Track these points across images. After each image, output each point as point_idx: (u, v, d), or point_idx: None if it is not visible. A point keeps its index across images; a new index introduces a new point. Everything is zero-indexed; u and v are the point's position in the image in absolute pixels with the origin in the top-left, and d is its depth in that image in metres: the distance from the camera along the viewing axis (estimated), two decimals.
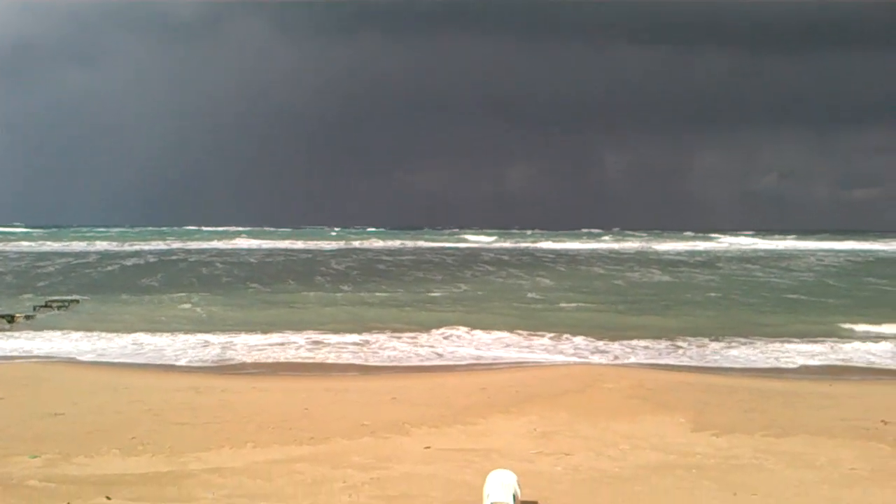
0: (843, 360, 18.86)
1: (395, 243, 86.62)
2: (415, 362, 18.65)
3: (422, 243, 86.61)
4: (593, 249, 77.81)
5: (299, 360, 18.63)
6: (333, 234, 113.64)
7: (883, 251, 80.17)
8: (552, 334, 21.80)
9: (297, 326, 23.01)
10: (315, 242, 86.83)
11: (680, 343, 20.69)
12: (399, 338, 21.60)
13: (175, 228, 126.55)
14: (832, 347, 20.32)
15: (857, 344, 20.84)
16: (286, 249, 75.65)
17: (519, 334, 22.00)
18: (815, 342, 20.95)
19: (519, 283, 39.82)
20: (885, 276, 45.61)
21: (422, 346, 20.63)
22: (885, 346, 20.52)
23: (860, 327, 23.48)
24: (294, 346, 20.36)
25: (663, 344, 20.64)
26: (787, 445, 10.58)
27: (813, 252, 76.25)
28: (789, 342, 20.85)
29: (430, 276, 43.63)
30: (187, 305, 28.31)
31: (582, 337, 21.60)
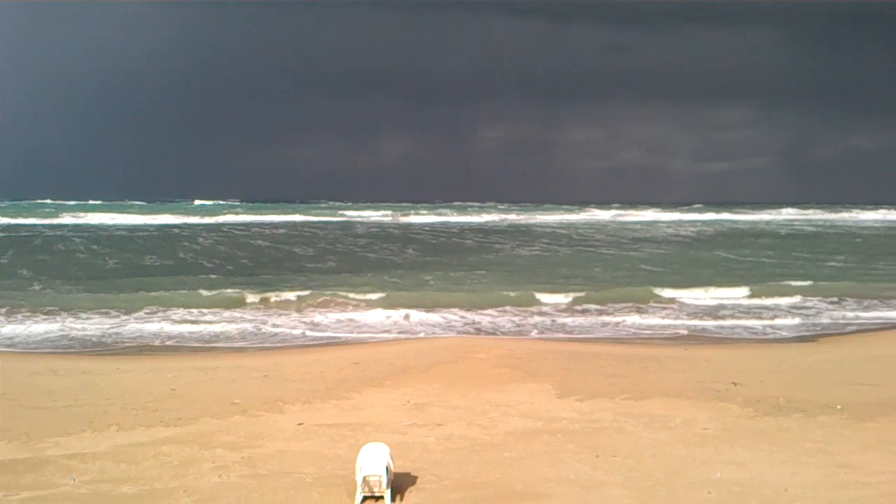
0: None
1: (267, 217, 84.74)
2: (288, 339, 18.48)
3: (297, 217, 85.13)
4: (466, 223, 78.83)
5: (167, 341, 18.11)
6: (196, 206, 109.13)
7: (742, 221, 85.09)
8: (424, 307, 22.08)
9: (168, 303, 22.32)
10: (182, 217, 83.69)
11: (535, 313, 21.57)
12: (271, 314, 21.33)
13: (28, 202, 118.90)
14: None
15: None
16: (145, 225, 72.45)
17: (393, 308, 22.14)
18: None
19: (391, 258, 39.93)
20: (729, 247, 48.54)
21: (295, 322, 20.46)
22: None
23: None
24: (160, 324, 19.75)
25: (532, 317, 21.33)
26: (646, 408, 11.15)
27: (678, 223, 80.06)
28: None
29: (303, 251, 43.08)
30: (36, 287, 26.81)
31: (456, 308, 22.02)
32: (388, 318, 21.06)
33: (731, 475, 8.26)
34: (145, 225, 70.85)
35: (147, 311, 21.47)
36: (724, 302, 23.79)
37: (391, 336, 18.88)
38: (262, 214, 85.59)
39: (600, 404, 11.37)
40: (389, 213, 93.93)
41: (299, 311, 21.98)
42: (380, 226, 68.37)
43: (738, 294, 24.79)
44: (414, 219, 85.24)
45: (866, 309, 22.68)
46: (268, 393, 12.13)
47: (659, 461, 8.77)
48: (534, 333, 19.13)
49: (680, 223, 78.21)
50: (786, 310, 22.53)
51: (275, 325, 19.78)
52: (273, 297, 23.55)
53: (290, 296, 23.69)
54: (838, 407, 11.05)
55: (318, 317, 21.05)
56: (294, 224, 71.05)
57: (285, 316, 21.19)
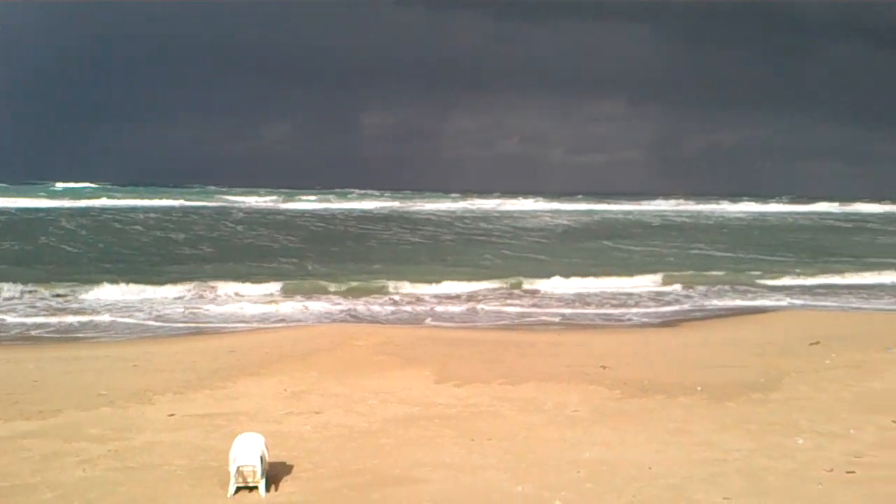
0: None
1: (139, 201, 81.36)
2: (158, 328, 17.88)
3: (173, 201, 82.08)
4: (349, 209, 78.19)
5: (31, 331, 17.19)
6: (60, 189, 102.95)
7: (618, 211, 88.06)
8: (303, 294, 21.85)
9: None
10: (46, 201, 79.19)
11: (416, 300, 21.77)
12: (146, 301, 20.58)
13: None
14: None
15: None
16: (3, 208, 68.08)
17: (270, 294, 21.79)
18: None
19: (269, 245, 39.20)
20: (606, 236, 50.34)
21: (167, 310, 19.81)
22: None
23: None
24: (22, 312, 18.71)
25: (413, 305, 21.47)
26: (521, 392, 11.45)
27: (557, 212, 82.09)
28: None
29: (179, 237, 41.67)
30: None
31: (336, 296, 21.90)
32: (265, 305, 20.69)
33: (599, 455, 8.61)
34: (3, 208, 66.62)
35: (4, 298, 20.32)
36: (597, 289, 24.65)
37: (268, 324, 18.57)
38: (133, 198, 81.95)
39: (478, 389, 11.59)
40: (270, 198, 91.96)
41: (172, 299, 21.27)
42: (260, 212, 66.85)
43: (610, 283, 25.71)
44: (296, 205, 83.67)
45: (724, 296, 24.05)
46: (137, 383, 11.72)
47: (532, 443, 9.03)
48: (414, 320, 19.25)
49: (559, 212, 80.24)
50: (651, 296, 23.60)
51: (145, 314, 19.08)
52: (145, 285, 22.68)
53: (163, 283, 22.88)
54: (698, 388, 11.69)
55: (192, 305, 20.45)
56: (169, 209, 68.51)
57: (158, 304, 20.47)
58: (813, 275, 28.95)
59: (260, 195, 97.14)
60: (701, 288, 25.34)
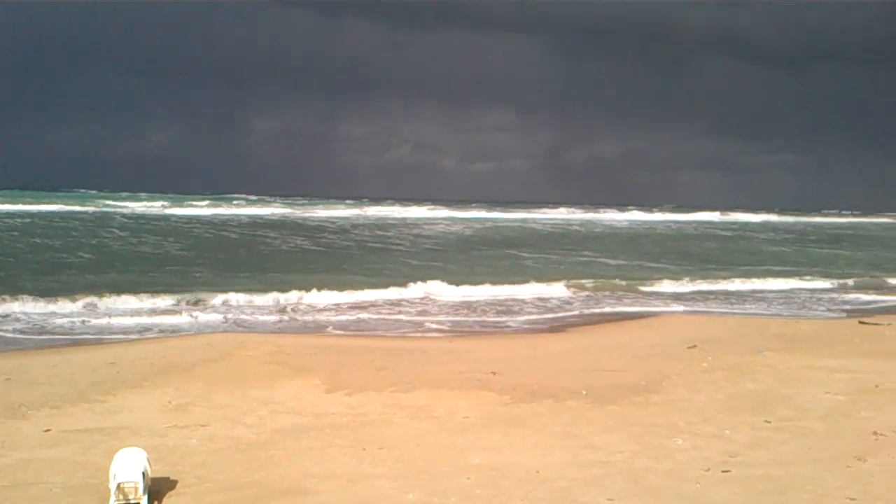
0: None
1: (9, 206, 77.17)
2: (30, 341, 17.02)
3: (49, 206, 78.18)
4: (237, 215, 76.50)
5: None
6: None
7: (494, 218, 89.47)
8: (188, 303, 21.23)
9: None
10: None
11: (307, 309, 21.56)
12: (21, 311, 19.55)
13: None
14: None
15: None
16: None
17: (154, 304, 21.06)
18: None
19: (153, 252, 37.95)
20: (495, 244, 51.17)
21: (50, 320, 18.88)
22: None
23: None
24: None
25: (305, 314, 21.23)
26: (412, 399, 11.49)
27: (448, 219, 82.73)
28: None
29: (55, 243, 39.74)
30: None
31: (224, 305, 21.39)
32: (148, 314, 19.99)
33: (488, 460, 8.74)
34: None
35: None
36: (489, 296, 25.01)
37: (153, 335, 17.95)
38: (5, 203, 77.65)
39: (369, 397, 11.56)
40: (156, 203, 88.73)
41: (50, 310, 20.24)
42: (145, 217, 64.52)
43: (502, 290, 26.11)
44: (183, 210, 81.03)
45: (610, 302, 24.87)
46: (10, 398, 11.11)
47: (423, 450, 9.08)
48: (305, 329, 19.02)
49: (453, 220, 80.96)
50: (541, 303, 24.15)
51: (22, 325, 18.13)
52: (20, 294, 21.48)
53: (39, 293, 21.75)
54: (584, 392, 12.02)
55: (71, 315, 19.52)
56: (46, 214, 65.24)
57: (35, 315, 19.45)
58: (692, 281, 30.27)
59: (144, 200, 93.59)
60: (589, 294, 26.12)
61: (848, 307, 25.10)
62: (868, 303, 26.52)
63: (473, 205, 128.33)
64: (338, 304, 22.50)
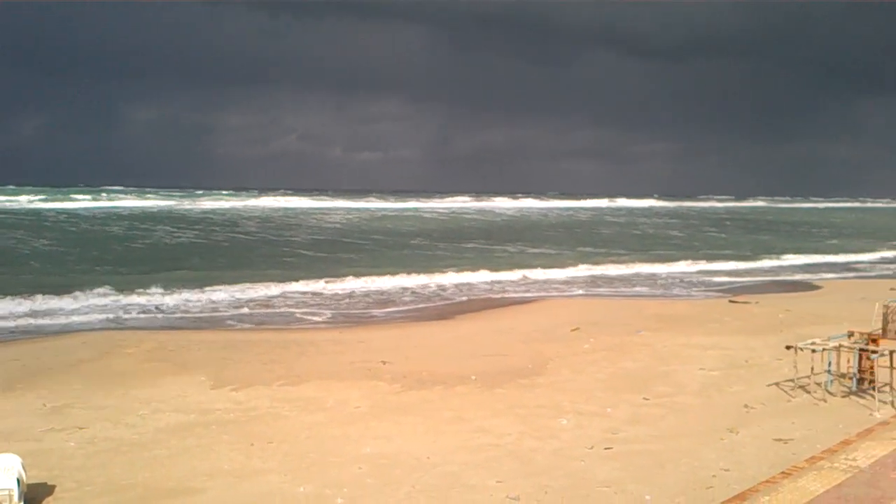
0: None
1: None
2: None
3: None
4: (113, 209, 73.30)
5: None
6: None
7: (385, 209, 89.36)
8: (67, 302, 20.25)
9: None
10: None
11: (191, 302, 21.00)
12: None
13: None
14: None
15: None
16: None
17: (22, 298, 19.96)
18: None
19: (21, 248, 35.99)
20: (383, 232, 51.14)
21: None
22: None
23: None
24: None
25: (188, 306, 20.62)
26: (302, 392, 11.38)
27: (335, 209, 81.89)
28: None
29: None
30: None
31: (103, 300, 20.53)
32: (21, 316, 18.93)
33: (379, 449, 8.77)
34: None
35: None
36: (375, 287, 24.97)
37: (25, 335, 16.99)
38: None
39: (257, 392, 11.37)
40: (23, 198, 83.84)
41: None
42: (9, 212, 60.96)
43: (390, 281, 26.13)
44: (55, 205, 76.98)
45: (496, 288, 25.34)
46: None
47: (314, 443, 9.01)
48: (187, 325, 18.45)
49: (339, 210, 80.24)
50: (430, 292, 24.33)
51: None
52: None
53: None
54: (473, 377, 12.22)
55: None
56: None
57: None
58: (573, 265, 31.17)
59: (6, 194, 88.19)
60: (476, 281, 26.49)
61: (719, 287, 26.41)
62: (734, 282, 28.03)
63: (364, 194, 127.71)
64: (225, 299, 21.95)
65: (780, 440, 8.95)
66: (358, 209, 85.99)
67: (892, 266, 35.88)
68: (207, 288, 22.81)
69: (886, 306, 16.06)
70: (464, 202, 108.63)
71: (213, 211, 71.97)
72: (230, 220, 59.13)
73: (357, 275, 26.47)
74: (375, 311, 20.71)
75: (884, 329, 15.58)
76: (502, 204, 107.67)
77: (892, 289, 23.07)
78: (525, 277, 27.92)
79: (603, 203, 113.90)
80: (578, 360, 13.63)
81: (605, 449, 8.75)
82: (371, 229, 53.79)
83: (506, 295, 23.96)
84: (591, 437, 9.19)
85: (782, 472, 7.65)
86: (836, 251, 41.95)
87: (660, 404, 10.71)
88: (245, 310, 20.36)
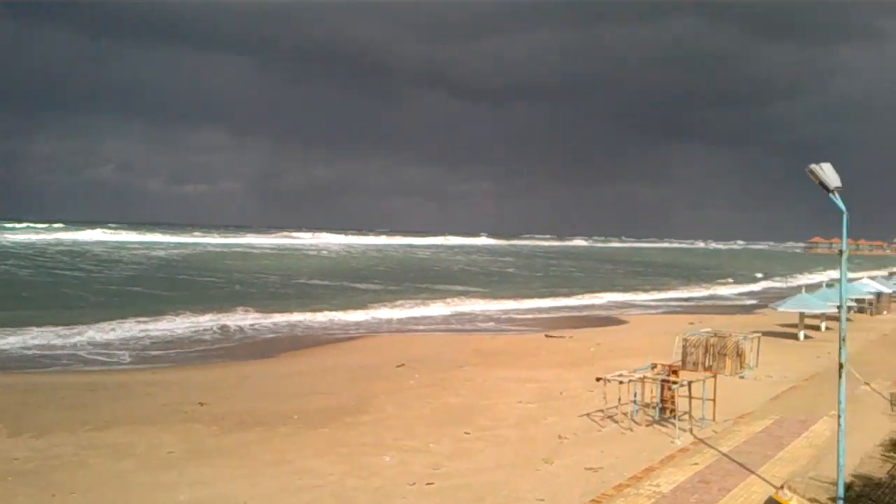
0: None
1: None
2: None
3: None
4: None
5: None
6: None
7: (211, 244, 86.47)
8: None
9: None
10: None
11: None
12: None
13: None
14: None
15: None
16: None
17: None
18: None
19: None
20: (198, 270, 49.41)
21: None
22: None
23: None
24: None
25: None
26: (110, 438, 10.71)
27: (151, 244, 78.17)
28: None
29: None
30: None
31: None
32: None
33: (195, 495, 8.38)
34: None
35: None
36: (186, 326, 24.03)
37: None
38: None
39: (60, 439, 10.58)
40: None
41: None
42: None
43: (205, 320, 25.22)
44: None
45: (322, 326, 25.12)
46: None
47: (122, 492, 8.49)
48: None
49: (161, 245, 76.78)
50: (249, 329, 23.73)
51: None
52: None
53: None
54: (295, 417, 11.99)
55: None
56: None
57: None
58: (398, 304, 31.48)
59: None
60: (298, 317, 26.10)
61: (538, 322, 27.52)
62: (552, 317, 29.34)
63: (189, 228, 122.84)
64: (22, 341, 20.28)
65: (590, 469, 9.39)
66: (179, 244, 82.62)
67: (689, 303, 38.88)
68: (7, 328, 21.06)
69: (685, 339, 17.37)
70: (293, 238, 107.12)
71: (14, 244, 66.74)
72: (35, 254, 55.05)
73: (176, 313, 25.37)
74: (192, 350, 19.89)
75: (683, 361, 16.82)
76: (332, 239, 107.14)
77: (690, 323, 24.93)
78: (346, 312, 27.88)
79: (438, 240, 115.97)
80: (403, 396, 13.71)
81: (427, 485, 8.83)
82: (183, 265, 51.80)
83: (331, 332, 23.77)
84: (413, 473, 9.24)
85: (592, 500, 8.03)
86: (642, 288, 44.95)
87: (480, 438, 10.96)
88: (48, 351, 18.93)
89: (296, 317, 26.33)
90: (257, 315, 26.17)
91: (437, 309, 30.97)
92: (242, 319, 25.27)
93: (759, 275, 65.57)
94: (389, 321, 26.97)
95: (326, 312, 27.67)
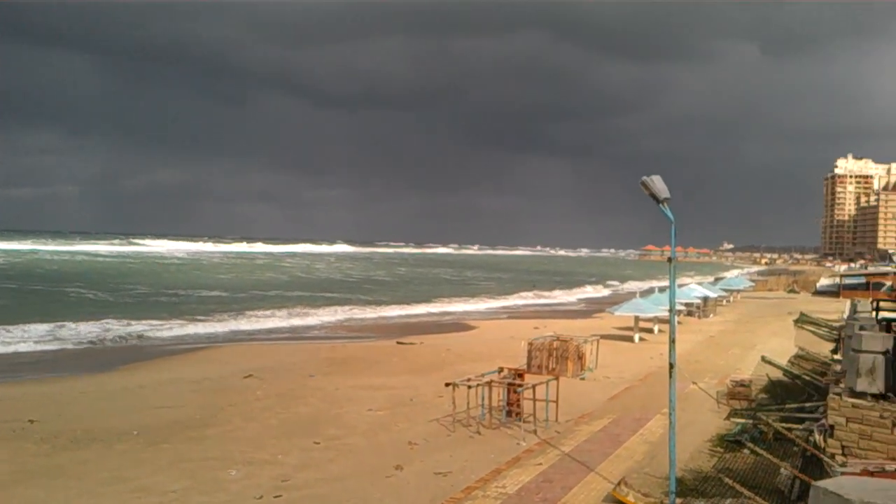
0: None
1: None
2: None
3: None
4: None
5: None
6: None
7: (45, 251, 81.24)
8: None
9: None
10: None
11: None
12: None
13: None
14: None
15: None
16: None
17: None
18: None
19: None
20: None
21: None
22: None
23: None
24: None
25: None
26: None
27: None
28: None
29: None
30: None
31: None
32: None
33: None
34: None
35: None
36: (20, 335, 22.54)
37: None
38: None
39: None
40: None
41: None
42: None
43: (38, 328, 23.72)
44: None
45: (163, 335, 24.12)
46: None
47: None
48: None
49: None
50: (87, 340, 22.49)
51: None
52: None
53: None
54: (135, 432, 11.46)
55: None
56: None
57: None
58: (249, 314, 30.75)
59: None
60: (140, 328, 24.96)
61: (392, 328, 27.62)
62: (405, 323, 29.56)
63: (17, 234, 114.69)
64: None
65: (440, 473, 9.53)
66: (12, 251, 77.10)
67: (535, 308, 40.25)
68: None
69: (530, 343, 18.02)
70: (138, 245, 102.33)
71: None
72: None
73: (4, 326, 23.66)
74: (22, 363, 18.60)
75: (528, 364, 17.44)
76: (181, 247, 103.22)
77: (535, 328, 25.81)
78: (212, 323, 26.96)
79: (295, 248, 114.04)
80: (251, 407, 13.41)
81: (275, 497, 8.68)
82: (29, 275, 48.44)
83: (175, 343, 22.89)
84: (260, 486, 9.06)
85: None
86: (491, 295, 46.10)
87: (330, 447, 10.88)
88: None
89: (137, 327, 25.13)
90: (95, 326, 24.81)
91: (290, 318, 30.46)
92: (79, 331, 23.87)
93: (594, 279, 68.95)
94: (237, 332, 26.24)
95: (172, 322, 26.60)
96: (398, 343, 22.65)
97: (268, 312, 31.48)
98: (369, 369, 17.69)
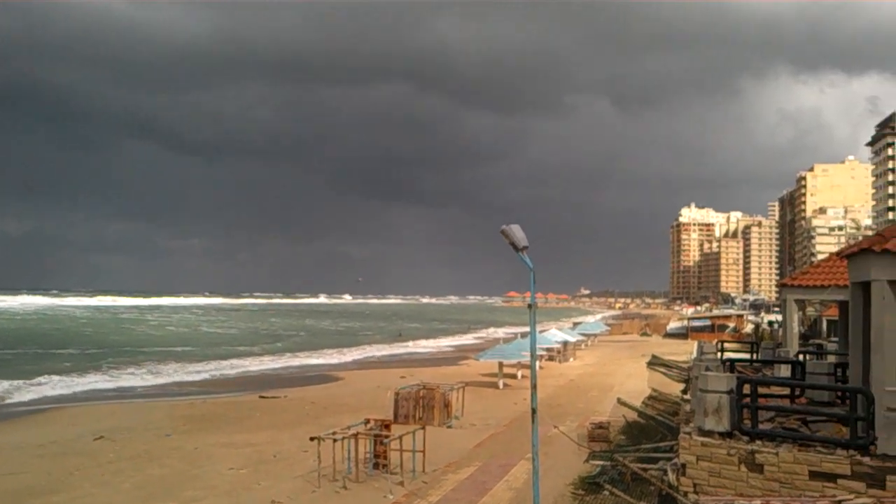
0: None
1: None
2: None
3: None
4: None
5: None
6: None
7: None
8: None
9: None
10: None
11: None
12: None
13: None
14: None
15: None
16: None
17: None
18: None
19: None
20: None
21: None
22: None
23: None
24: None
25: None
26: None
27: None
28: None
29: None
30: None
31: None
32: None
33: None
34: None
35: None
36: None
37: None
38: None
39: None
40: None
41: None
42: None
43: None
44: None
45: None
46: None
47: None
48: None
49: None
50: None
51: None
52: None
53: None
54: None
55: None
56: None
57: None
58: (102, 371, 29.13)
59: None
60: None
61: (254, 382, 26.82)
62: (269, 376, 28.79)
63: None
64: None
65: None
66: None
67: (400, 357, 40.24)
68: None
69: (397, 393, 17.94)
70: None
71: None
72: None
73: None
74: None
75: (395, 414, 17.33)
76: (26, 301, 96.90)
77: (402, 377, 25.74)
78: (56, 383, 25.22)
79: (157, 301, 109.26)
80: (102, 471, 12.65)
81: None
82: None
83: (17, 404, 21.33)
84: None
85: None
86: (356, 345, 45.76)
87: None
88: None
89: None
90: None
91: (147, 375, 29.04)
92: None
93: (462, 325, 69.78)
94: (92, 391, 24.75)
95: (13, 382, 24.75)
96: (261, 397, 22.03)
97: (124, 370, 29.87)
98: (230, 426, 17.09)
